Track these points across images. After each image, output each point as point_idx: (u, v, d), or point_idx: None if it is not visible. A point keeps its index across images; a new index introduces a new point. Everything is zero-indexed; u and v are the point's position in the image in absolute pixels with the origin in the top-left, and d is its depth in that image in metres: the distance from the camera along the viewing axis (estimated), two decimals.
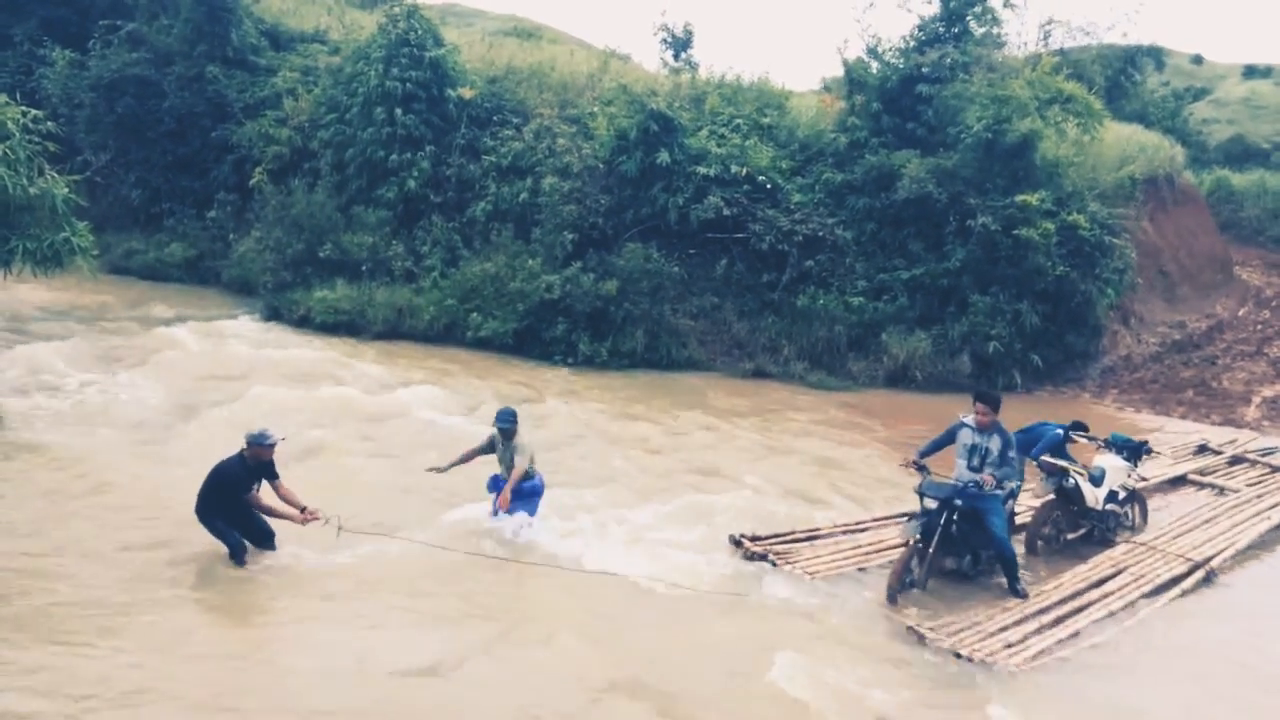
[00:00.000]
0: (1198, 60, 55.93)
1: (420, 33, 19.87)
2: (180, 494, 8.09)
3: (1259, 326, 21.12)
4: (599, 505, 9.80)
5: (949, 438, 8.17)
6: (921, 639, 7.15)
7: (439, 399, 13.47)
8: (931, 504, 7.81)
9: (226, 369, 13.97)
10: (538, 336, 17.30)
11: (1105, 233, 17.61)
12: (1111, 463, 9.46)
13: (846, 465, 12.20)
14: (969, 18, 19.94)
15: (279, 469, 7.79)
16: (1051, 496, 9.12)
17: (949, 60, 18.83)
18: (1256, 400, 16.70)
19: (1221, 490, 11.40)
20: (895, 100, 18.91)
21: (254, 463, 7.40)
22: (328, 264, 18.79)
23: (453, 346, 17.44)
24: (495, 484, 8.88)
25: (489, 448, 8.93)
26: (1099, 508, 9.19)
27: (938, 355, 16.75)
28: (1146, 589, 8.19)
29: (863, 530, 9.25)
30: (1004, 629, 7.29)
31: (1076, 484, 8.98)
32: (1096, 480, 9.17)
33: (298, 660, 6.51)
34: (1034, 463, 9.23)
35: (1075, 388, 17.24)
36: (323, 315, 17.88)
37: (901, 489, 10.82)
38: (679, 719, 6.16)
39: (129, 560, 7.60)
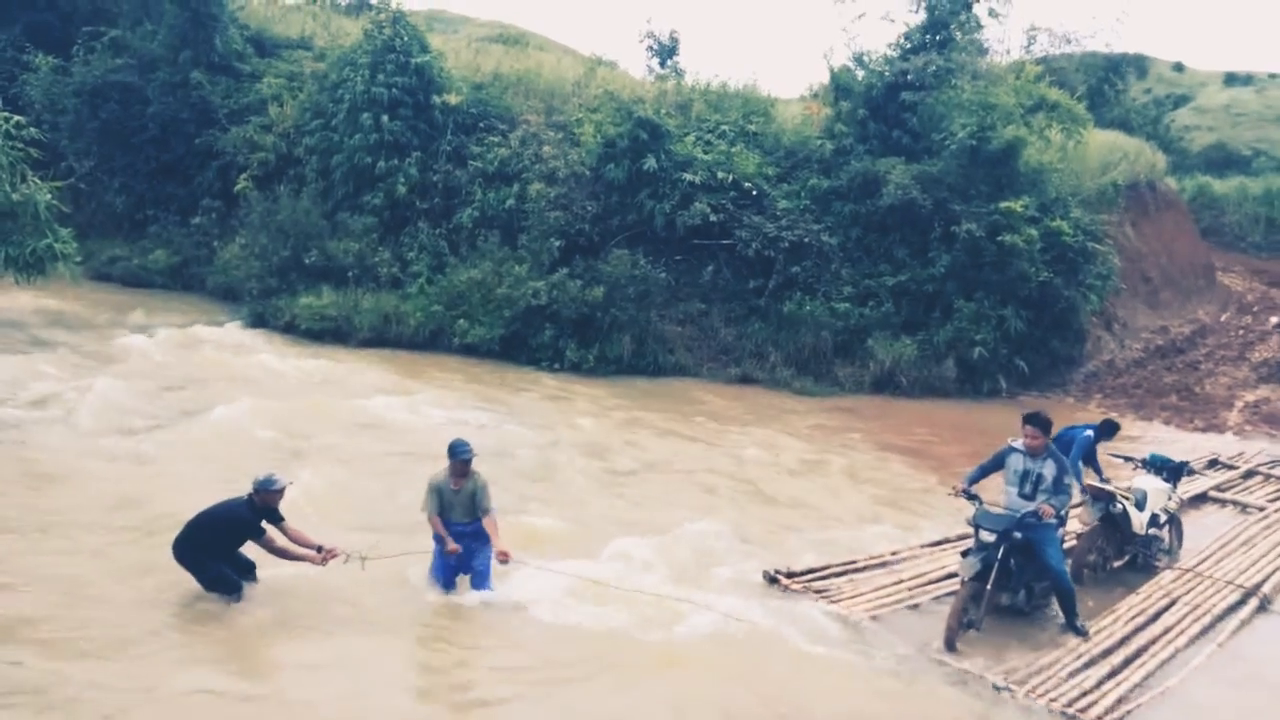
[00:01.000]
0: (1179, 68, 56.42)
1: (406, 39, 19.85)
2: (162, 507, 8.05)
3: (1241, 332, 21.30)
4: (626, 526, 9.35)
5: (997, 463, 7.66)
6: (996, 689, 6.58)
7: (431, 405, 13.41)
8: (988, 537, 7.22)
9: (208, 376, 13.91)
10: (524, 343, 17.29)
11: (1088, 239, 17.75)
12: (1152, 485, 9.04)
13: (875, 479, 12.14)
14: (953, 25, 20.09)
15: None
16: (1096, 523, 8.62)
17: (933, 67, 18.95)
18: (1239, 405, 16.84)
19: (1244, 508, 11.15)
20: (881, 107, 19.01)
21: (262, 507, 7.13)
22: (313, 270, 18.71)
23: (439, 353, 17.41)
24: (443, 569, 7.55)
25: (439, 502, 7.48)
26: (1143, 533, 8.79)
27: (923, 361, 16.83)
28: (1206, 620, 7.83)
29: (899, 561, 8.77)
30: (1073, 673, 6.81)
31: (1124, 509, 8.55)
32: (1139, 504, 8.75)
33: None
34: (1078, 486, 8.72)
35: (1060, 392, 17.35)
36: (308, 322, 17.81)
37: (928, 504, 11.01)
38: None
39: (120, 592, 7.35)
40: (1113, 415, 15.89)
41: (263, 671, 6.61)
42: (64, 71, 22.26)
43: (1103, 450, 9.79)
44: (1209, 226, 27.60)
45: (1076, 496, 8.30)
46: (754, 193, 18.13)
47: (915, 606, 7.86)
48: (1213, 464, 12.93)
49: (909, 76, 18.92)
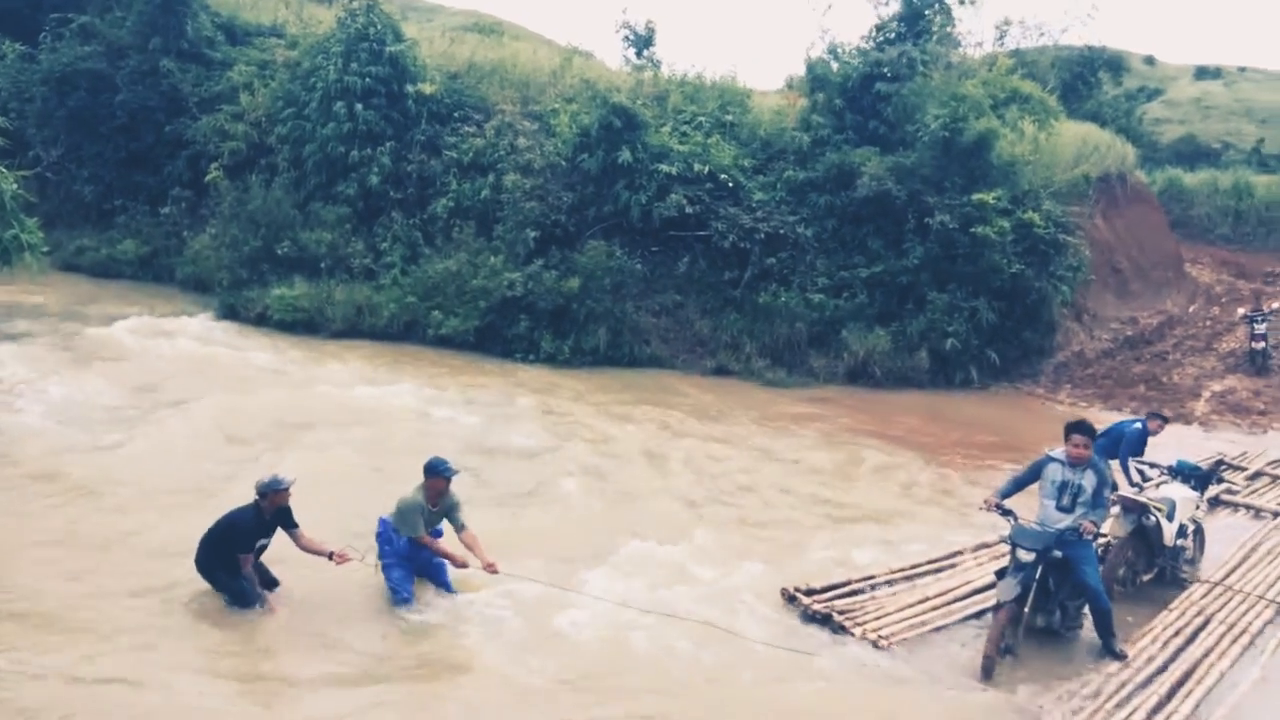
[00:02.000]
0: (1150, 61, 57.11)
1: (379, 27, 19.68)
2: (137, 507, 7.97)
3: (1209, 323, 21.61)
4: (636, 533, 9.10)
5: (1034, 474, 7.18)
6: None
7: (409, 397, 13.36)
8: (1026, 556, 6.75)
9: (180, 369, 13.76)
10: (499, 334, 17.25)
11: (1060, 230, 17.92)
12: (1181, 494, 8.65)
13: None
14: (928, 15, 20.19)
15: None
16: (1127, 536, 8.19)
17: (907, 58, 19.04)
18: (1205, 395, 17.09)
19: (1258, 512, 10.92)
20: (856, 98, 19.08)
21: (270, 512, 6.95)
22: (285, 261, 18.56)
23: (413, 344, 17.33)
24: (404, 579, 7.28)
25: (424, 511, 7.25)
26: (1172, 544, 8.42)
27: (897, 352, 16.95)
28: (1245, 640, 7.53)
29: (920, 574, 8.40)
30: (1120, 704, 6.44)
31: (1157, 521, 8.16)
32: (1169, 514, 8.34)
33: None
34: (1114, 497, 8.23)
35: (1030, 383, 17.54)
36: (280, 313, 17.67)
37: (929, 497, 11.10)
38: None
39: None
40: (1079, 408, 16.20)
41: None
42: (31, 59, 21.91)
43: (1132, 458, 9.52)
44: (1178, 219, 27.96)
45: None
46: (730, 184, 18.16)
47: (941, 629, 7.44)
48: (1218, 465, 12.35)
49: (884, 68, 19.01)
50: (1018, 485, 7.22)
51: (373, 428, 11.72)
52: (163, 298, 19.19)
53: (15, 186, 10.54)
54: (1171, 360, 18.98)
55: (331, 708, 5.97)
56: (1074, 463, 6.91)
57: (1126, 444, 9.29)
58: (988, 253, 16.93)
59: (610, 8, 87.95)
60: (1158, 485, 9.42)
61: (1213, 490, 10.02)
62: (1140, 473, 9.56)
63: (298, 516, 7.21)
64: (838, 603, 7.58)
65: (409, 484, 7.39)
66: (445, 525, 7.56)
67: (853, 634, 7.09)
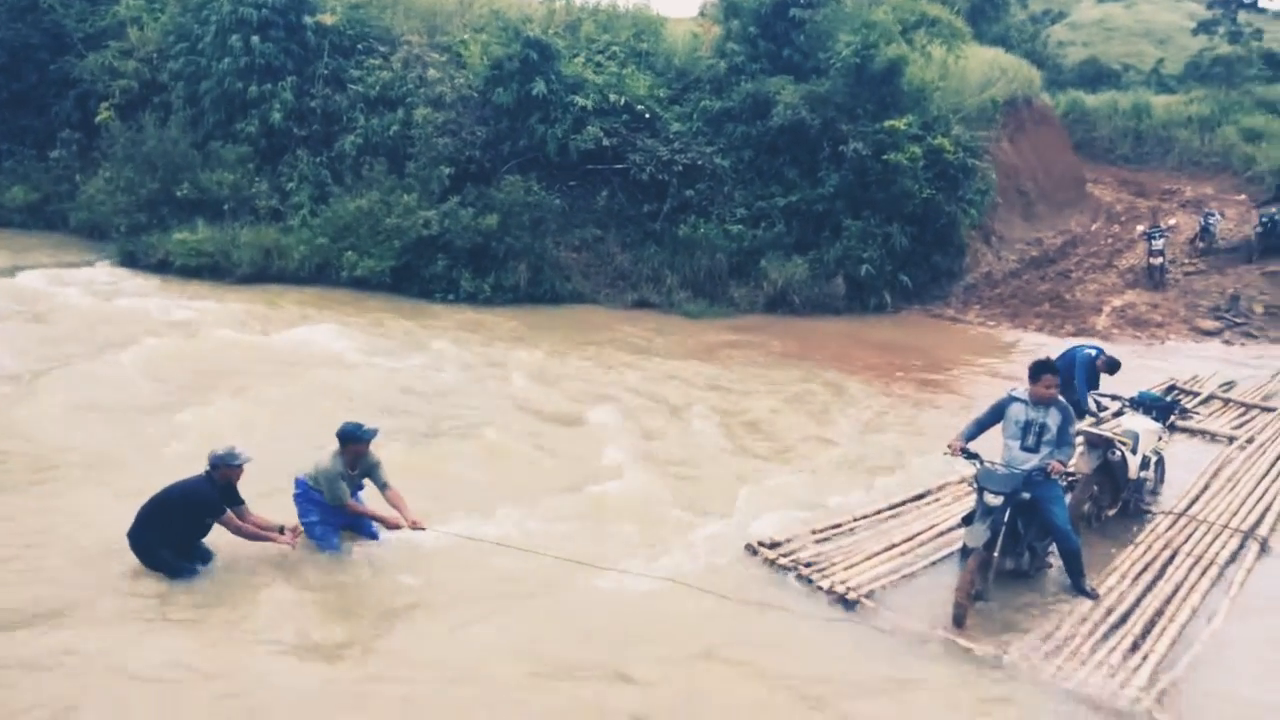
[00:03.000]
0: None
1: None
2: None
3: (1109, 240, 22.41)
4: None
5: (996, 415, 6.96)
6: (1021, 673, 5.99)
7: (330, 342, 13.07)
8: (994, 500, 6.51)
9: (81, 321, 13.22)
10: (417, 274, 16.97)
11: (969, 155, 18.30)
12: (1144, 426, 8.45)
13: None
14: None
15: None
16: (1091, 472, 7.95)
17: None
18: (1106, 310, 17.81)
19: (1213, 437, 10.83)
20: (770, 25, 18.96)
21: (222, 484, 6.61)
22: (186, 204, 17.87)
23: (328, 287, 16.94)
24: (329, 532, 7.08)
25: (345, 477, 6.96)
26: (1136, 477, 8.32)
27: (814, 280, 17.22)
28: (1214, 573, 7.39)
29: (882, 518, 8.10)
30: (1095, 647, 6.27)
31: (1122, 456, 8.01)
32: (1133, 447, 8.16)
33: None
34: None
35: (941, 305, 18.04)
36: (183, 258, 17.07)
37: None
38: None
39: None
40: (987, 327, 16.77)
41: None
42: None
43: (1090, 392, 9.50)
44: (1081, 140, 28.73)
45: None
46: (647, 116, 17.99)
47: (910, 576, 7.15)
48: (1170, 390, 12.46)
49: None
50: (980, 427, 7.00)
51: (290, 375, 11.43)
52: (57, 246, 18.34)
53: None
54: (1075, 278, 19.68)
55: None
56: (1037, 401, 6.77)
57: (1081, 371, 9.23)
58: (900, 179, 17.21)
59: None
60: (1115, 415, 9.34)
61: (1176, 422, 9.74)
62: (1098, 404, 9.44)
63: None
64: (803, 554, 7.31)
65: (331, 430, 7.23)
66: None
67: (821, 587, 6.82)
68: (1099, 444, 7.96)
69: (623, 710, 5.48)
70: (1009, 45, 28.74)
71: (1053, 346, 15.64)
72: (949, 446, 6.91)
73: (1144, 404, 8.93)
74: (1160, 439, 8.70)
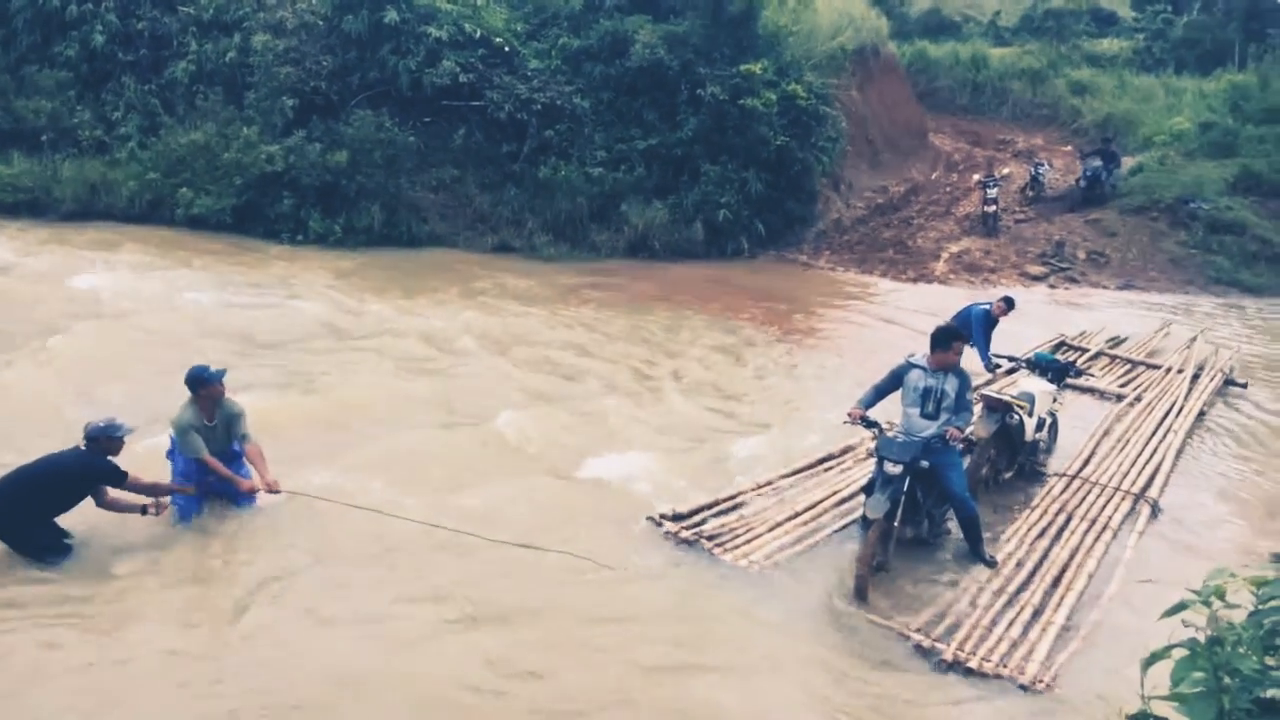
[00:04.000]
0: None
1: None
2: None
3: (948, 189, 23.53)
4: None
5: (895, 382, 6.80)
6: (922, 651, 5.81)
7: (165, 285, 12.31)
8: (894, 469, 6.37)
9: None
10: (261, 213, 16.13)
11: (821, 103, 18.75)
12: (1039, 387, 8.45)
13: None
14: None
15: None
16: (989, 436, 7.82)
17: None
18: (945, 256, 18.79)
19: (1101, 394, 10.98)
20: None
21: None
22: None
23: (162, 226, 15.90)
24: (194, 500, 6.67)
25: (201, 429, 6.52)
26: (1031, 440, 8.28)
27: (674, 224, 17.38)
28: (1108, 538, 7.41)
29: (782, 487, 7.90)
30: (995, 620, 6.20)
31: (1020, 420, 7.92)
32: (1029, 410, 8.12)
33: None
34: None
35: (794, 251, 18.59)
36: None
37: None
38: None
39: None
40: (837, 272, 17.44)
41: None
42: None
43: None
44: (924, 90, 29.80)
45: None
46: (506, 49, 17.50)
47: (814, 546, 6.97)
48: (1059, 347, 12.52)
49: None
50: (879, 393, 6.81)
51: (119, 321, 10.75)
52: None
53: None
54: (916, 225, 20.62)
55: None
56: (937, 368, 6.64)
57: (978, 329, 9.26)
58: (755, 125, 17.49)
59: None
60: (1008, 373, 9.41)
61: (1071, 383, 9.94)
62: (995, 364, 9.47)
63: (41, 432, 6.51)
64: (706, 527, 7.03)
65: (167, 383, 6.86)
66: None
67: (724, 560, 6.61)
68: (998, 408, 7.90)
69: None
70: None
71: (899, 291, 16.50)
72: (848, 414, 6.70)
73: (1039, 365, 8.91)
74: (1055, 400, 8.70)
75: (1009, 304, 10.12)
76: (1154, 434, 9.69)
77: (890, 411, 7.15)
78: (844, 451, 8.62)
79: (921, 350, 6.89)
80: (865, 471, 7.85)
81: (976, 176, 21.83)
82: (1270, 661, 2.21)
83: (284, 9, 17.23)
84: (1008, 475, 8.33)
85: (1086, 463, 8.88)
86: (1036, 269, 18.05)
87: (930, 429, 6.59)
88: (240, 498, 6.81)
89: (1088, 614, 6.32)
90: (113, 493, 6.21)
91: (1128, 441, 9.47)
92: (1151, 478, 8.63)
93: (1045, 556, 7.10)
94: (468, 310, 12.93)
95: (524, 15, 18.76)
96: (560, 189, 17.10)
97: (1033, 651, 5.85)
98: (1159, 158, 21.79)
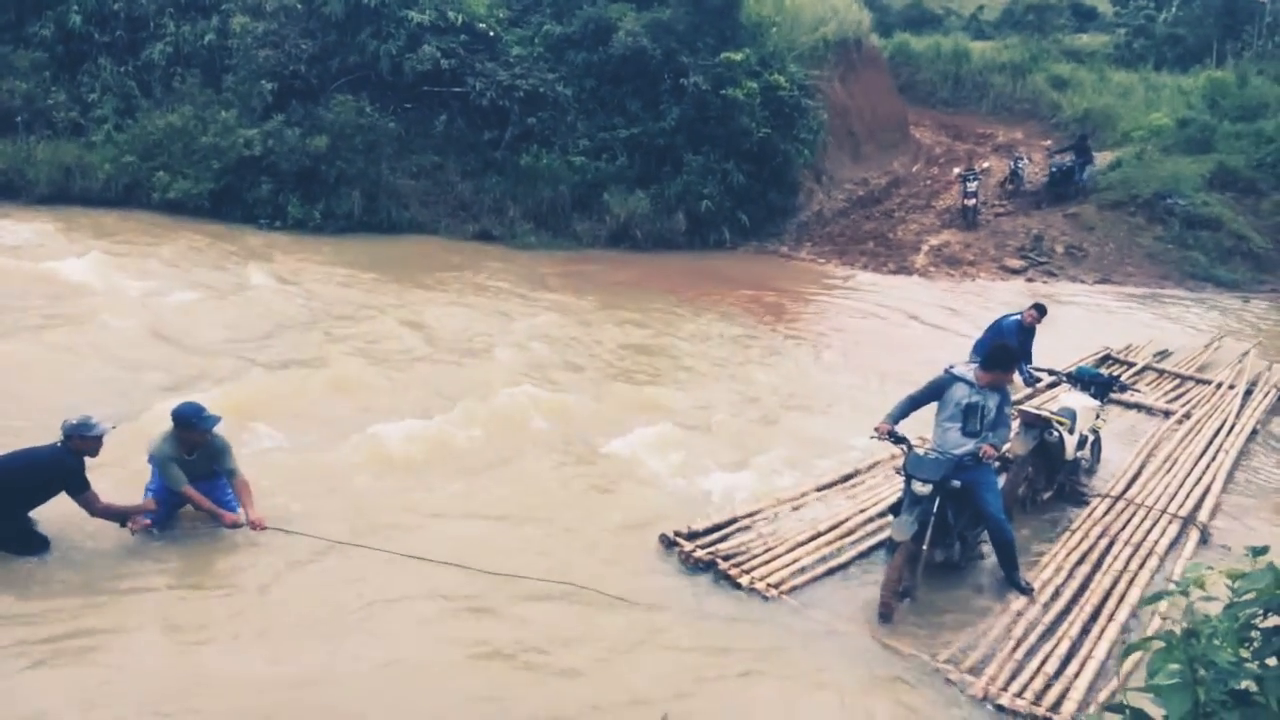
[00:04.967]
0: None
1: None
2: None
3: (929, 182, 23.63)
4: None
5: (934, 394, 6.31)
6: (950, 684, 5.38)
7: (139, 271, 12.12)
8: (922, 489, 5.95)
9: None
10: (239, 198, 15.97)
11: (803, 94, 18.77)
12: (1081, 403, 8.02)
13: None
14: None
15: None
16: (1027, 453, 7.40)
17: None
18: (925, 249, 18.88)
19: (1149, 411, 10.46)
20: None
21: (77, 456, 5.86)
22: None
23: (138, 210, 15.72)
24: (163, 508, 6.25)
25: (180, 462, 6.12)
26: (1073, 458, 7.83)
27: (656, 214, 17.35)
28: (1154, 564, 6.90)
29: (805, 503, 7.40)
30: (1030, 651, 5.71)
31: (1060, 437, 7.51)
32: (1070, 427, 7.67)
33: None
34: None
35: (776, 242, 18.63)
36: None
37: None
38: None
39: None
40: (818, 263, 17.50)
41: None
42: None
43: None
44: (905, 83, 29.87)
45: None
46: (490, 34, 17.37)
47: (837, 569, 6.50)
48: (1104, 360, 12.07)
49: None
50: (915, 404, 6.35)
51: (79, 311, 10.51)
52: None
53: None
54: (897, 217, 20.71)
55: None
56: (983, 385, 6.17)
57: (1011, 340, 8.78)
58: (737, 115, 17.49)
59: None
60: (1049, 387, 9.00)
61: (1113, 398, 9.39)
62: (1035, 377, 9.09)
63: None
64: (723, 546, 6.53)
65: (137, 378, 6.60)
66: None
67: (740, 584, 6.14)
68: (1036, 424, 7.47)
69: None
70: None
71: (879, 283, 16.58)
72: (875, 429, 6.21)
73: (1082, 379, 8.49)
74: (1098, 417, 8.27)
75: (1040, 311, 9.77)
76: (1204, 453, 9.15)
77: (914, 424, 6.57)
78: (871, 467, 8.09)
79: (960, 360, 6.39)
80: (894, 489, 7.24)
81: (957, 170, 21.95)
82: (1245, 654, 2.24)
83: None
84: (1046, 495, 7.84)
85: (1131, 483, 8.31)
86: (1015, 262, 18.17)
87: (967, 446, 6.12)
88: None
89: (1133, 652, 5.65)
90: (100, 501, 5.94)
91: (1175, 461, 8.93)
92: (1200, 500, 8.09)
93: (1085, 584, 6.60)
94: (448, 298, 12.86)
95: (506, 1, 18.63)
96: (542, 177, 17.03)
97: (1070, 689, 5.36)
98: (1137, 153, 21.97)
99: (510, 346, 10.90)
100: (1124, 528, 7.50)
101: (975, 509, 6.28)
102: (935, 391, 6.32)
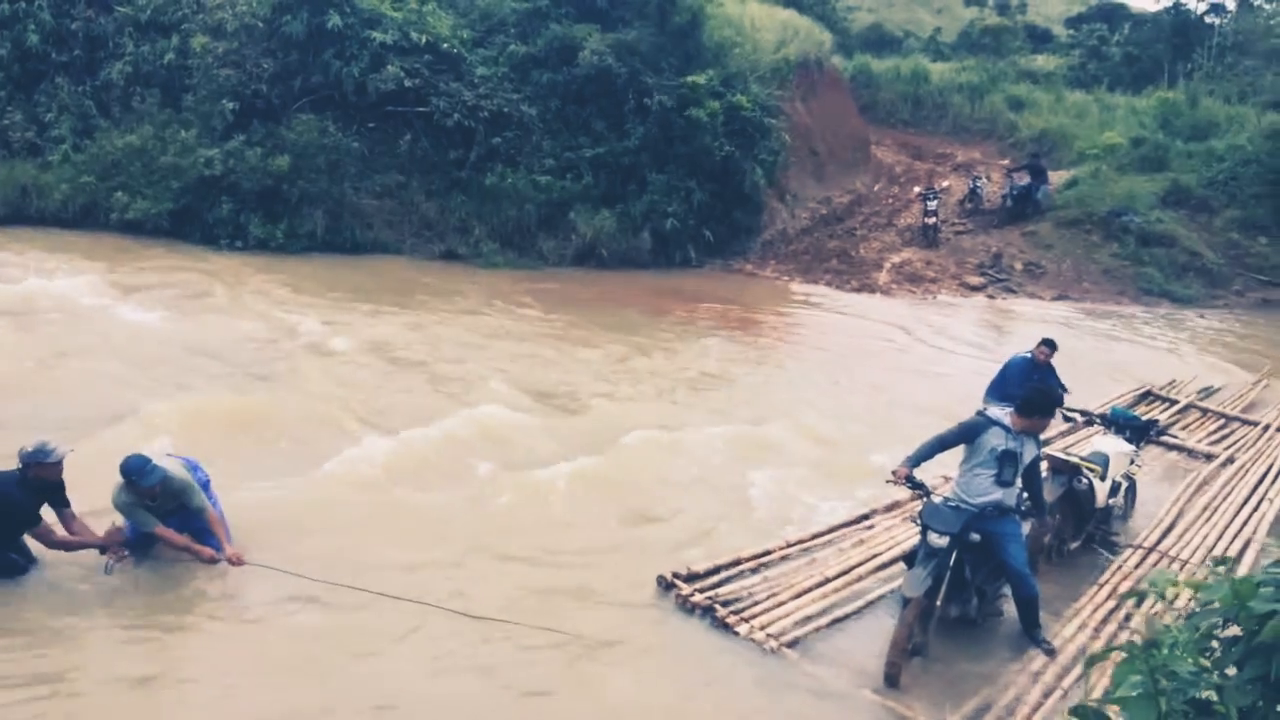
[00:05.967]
0: None
1: None
2: None
3: (890, 201, 23.94)
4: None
5: (965, 437, 5.83)
6: None
7: (96, 293, 11.92)
8: (939, 541, 5.53)
9: None
10: (199, 218, 15.80)
11: (765, 114, 18.97)
12: (1115, 448, 7.55)
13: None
14: None
15: None
16: (1054, 501, 6.90)
17: None
18: (887, 266, 19.12)
19: (1190, 453, 9.87)
20: None
21: (37, 485, 5.66)
22: None
23: (95, 231, 15.49)
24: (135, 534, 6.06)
25: (143, 506, 5.93)
26: (1104, 505, 7.33)
27: (622, 233, 17.42)
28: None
29: (819, 544, 7.04)
30: (1048, 717, 5.29)
31: (1090, 484, 7.07)
32: (1101, 474, 7.20)
33: None
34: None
35: (741, 260, 18.76)
36: None
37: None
38: None
39: None
40: (782, 281, 17.63)
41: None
42: None
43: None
44: (866, 103, 30.28)
45: None
46: (453, 53, 17.37)
47: (844, 618, 6.12)
48: (1145, 397, 11.59)
49: None
50: (943, 446, 5.86)
51: (53, 330, 10.41)
52: None
53: None
54: (859, 236, 20.95)
55: None
56: (1020, 431, 5.74)
57: (1019, 380, 8.32)
58: (701, 134, 17.65)
59: None
60: (1078, 426, 8.40)
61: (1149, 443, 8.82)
62: (1066, 417, 8.54)
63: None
64: (723, 589, 6.18)
65: (85, 403, 6.42)
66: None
67: (737, 632, 5.75)
68: (1064, 470, 7.04)
69: None
70: (801, 8, 29.80)
71: (842, 300, 16.73)
72: (893, 473, 5.76)
73: (1116, 422, 8.04)
74: (1132, 462, 7.76)
75: (1051, 346, 9.01)
76: (1246, 501, 8.57)
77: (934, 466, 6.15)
78: (890, 508, 7.64)
79: (997, 408, 6.01)
80: (911, 532, 6.87)
81: (917, 189, 22.24)
82: (1205, 663, 2.27)
83: (224, 10, 16.90)
84: (1074, 545, 7.30)
85: (1167, 533, 7.78)
86: (975, 279, 18.44)
87: (994, 496, 5.70)
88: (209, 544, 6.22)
89: None
90: (61, 533, 5.79)
91: (1216, 509, 8.37)
92: (1241, 552, 7.53)
93: (1113, 648, 5.72)
94: (413, 318, 12.79)
95: (470, 22, 18.67)
96: (508, 196, 17.03)
97: None
98: (1092, 171, 22.43)
99: (479, 366, 10.84)
100: None
101: (997, 561, 5.86)
102: (967, 434, 5.85)
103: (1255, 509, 8.42)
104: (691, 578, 6.23)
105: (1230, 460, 9.67)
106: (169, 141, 15.91)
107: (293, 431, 8.40)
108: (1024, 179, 21.10)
